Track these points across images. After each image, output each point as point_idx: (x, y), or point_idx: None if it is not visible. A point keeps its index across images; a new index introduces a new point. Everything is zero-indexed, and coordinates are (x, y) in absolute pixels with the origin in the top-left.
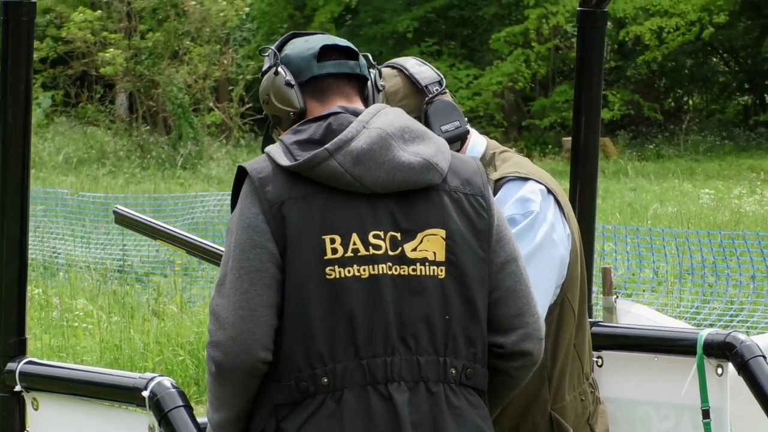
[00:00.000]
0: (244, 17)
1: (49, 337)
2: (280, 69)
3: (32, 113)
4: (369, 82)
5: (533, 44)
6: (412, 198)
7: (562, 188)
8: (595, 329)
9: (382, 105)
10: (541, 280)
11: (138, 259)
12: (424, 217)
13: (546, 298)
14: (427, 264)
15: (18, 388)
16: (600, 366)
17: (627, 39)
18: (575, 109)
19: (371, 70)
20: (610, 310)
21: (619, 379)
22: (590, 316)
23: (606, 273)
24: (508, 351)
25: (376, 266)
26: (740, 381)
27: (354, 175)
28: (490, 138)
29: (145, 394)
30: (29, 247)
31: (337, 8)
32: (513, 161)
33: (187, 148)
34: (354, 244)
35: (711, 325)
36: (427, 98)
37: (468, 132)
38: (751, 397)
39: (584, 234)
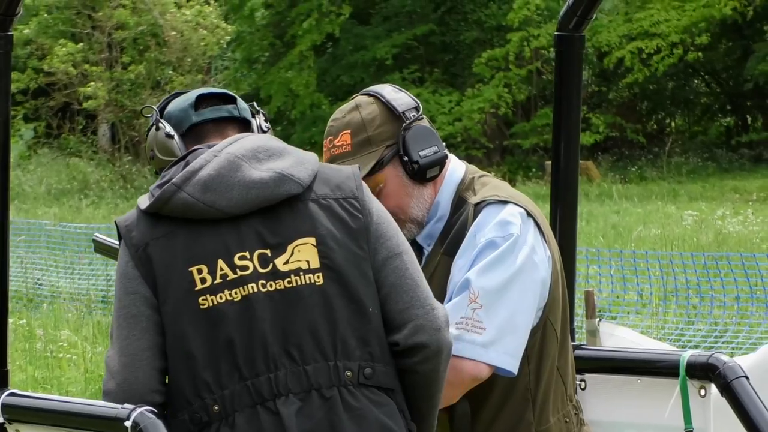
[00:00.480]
0: (224, 46)
1: (34, 368)
2: (160, 123)
3: (15, 145)
4: (254, 124)
5: (511, 67)
6: (276, 213)
7: (543, 212)
8: (578, 352)
9: (244, 134)
10: (523, 302)
11: None
12: (292, 229)
13: (528, 321)
14: (301, 273)
15: (0, 419)
16: (583, 389)
17: (609, 65)
18: (554, 133)
19: (257, 115)
20: (593, 333)
21: (602, 402)
22: (573, 340)
23: (588, 296)
24: (402, 347)
25: (246, 287)
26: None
27: (206, 203)
28: (473, 160)
29: (128, 424)
30: (12, 278)
31: (319, 37)
32: (492, 185)
33: None
34: (221, 270)
35: (696, 347)
36: (404, 124)
37: (446, 157)
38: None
39: (565, 257)
